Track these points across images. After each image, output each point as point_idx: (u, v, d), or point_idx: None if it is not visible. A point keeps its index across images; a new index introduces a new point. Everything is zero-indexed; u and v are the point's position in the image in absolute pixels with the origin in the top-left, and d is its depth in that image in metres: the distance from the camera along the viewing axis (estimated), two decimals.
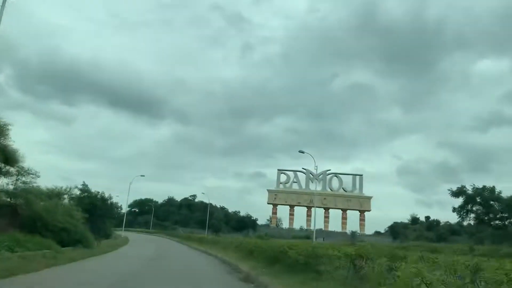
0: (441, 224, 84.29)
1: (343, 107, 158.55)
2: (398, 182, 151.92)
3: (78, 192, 30.80)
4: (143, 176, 53.73)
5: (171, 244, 41.98)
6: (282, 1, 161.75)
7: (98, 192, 33.14)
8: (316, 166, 35.74)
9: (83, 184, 32.50)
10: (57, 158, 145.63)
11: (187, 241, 43.40)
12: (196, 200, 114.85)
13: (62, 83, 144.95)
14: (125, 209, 58.86)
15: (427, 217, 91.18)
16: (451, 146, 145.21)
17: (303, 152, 36.55)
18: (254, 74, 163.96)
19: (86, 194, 31.76)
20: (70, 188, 28.48)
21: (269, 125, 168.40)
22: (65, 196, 26.86)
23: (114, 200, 61.61)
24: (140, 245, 34.84)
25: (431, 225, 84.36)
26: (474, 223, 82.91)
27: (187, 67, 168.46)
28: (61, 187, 27.02)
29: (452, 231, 77.58)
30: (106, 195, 33.96)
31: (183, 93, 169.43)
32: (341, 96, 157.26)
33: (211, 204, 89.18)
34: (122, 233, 50.51)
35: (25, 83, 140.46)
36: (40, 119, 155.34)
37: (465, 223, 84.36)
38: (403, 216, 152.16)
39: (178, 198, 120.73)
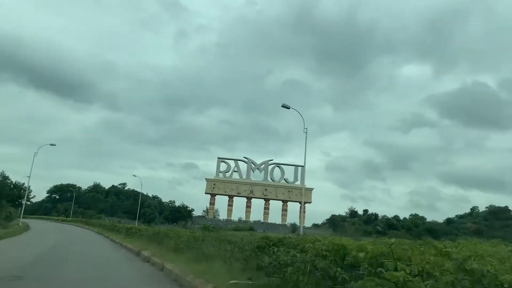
0: (379, 218, 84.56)
1: (276, 102, 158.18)
2: (327, 177, 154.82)
3: None
4: (54, 145, 45.41)
5: (84, 235, 34.73)
6: None
7: None
8: (306, 129, 30.04)
9: None
10: None
11: (109, 232, 36.24)
12: (126, 188, 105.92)
13: None
14: (27, 192, 50.01)
15: (365, 211, 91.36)
16: (376, 145, 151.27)
17: (288, 108, 30.58)
18: (188, 63, 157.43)
19: None
20: None
21: (203, 116, 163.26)
22: None
23: (22, 182, 52.43)
24: (39, 235, 27.91)
25: (369, 218, 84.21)
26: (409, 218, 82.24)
27: (118, 51, 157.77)
28: None
29: (390, 225, 77.68)
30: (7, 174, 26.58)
31: (113, 78, 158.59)
32: (275, 91, 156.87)
33: (142, 193, 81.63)
34: (29, 220, 42.16)
35: None
36: None
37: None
38: (331, 210, 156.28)
39: (106, 186, 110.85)
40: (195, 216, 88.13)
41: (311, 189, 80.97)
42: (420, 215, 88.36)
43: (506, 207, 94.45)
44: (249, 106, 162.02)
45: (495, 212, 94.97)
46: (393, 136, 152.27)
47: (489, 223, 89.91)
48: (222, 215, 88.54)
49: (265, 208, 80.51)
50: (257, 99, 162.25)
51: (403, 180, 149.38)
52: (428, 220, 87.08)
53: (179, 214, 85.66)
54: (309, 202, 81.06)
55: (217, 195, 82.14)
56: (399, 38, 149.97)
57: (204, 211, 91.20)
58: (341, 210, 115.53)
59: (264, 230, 60.23)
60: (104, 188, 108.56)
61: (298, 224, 77.29)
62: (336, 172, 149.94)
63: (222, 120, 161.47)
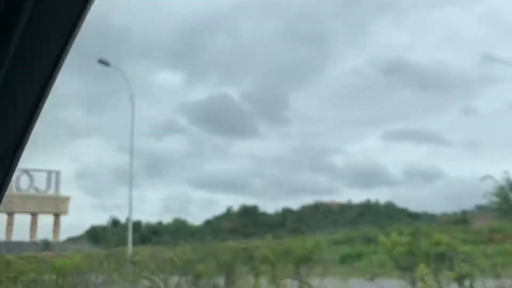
0: (142, 225, 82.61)
1: None
2: (77, 186, 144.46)
3: None
4: None
5: None
6: None
7: None
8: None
9: None
10: None
11: None
12: None
13: None
14: None
15: (128, 218, 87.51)
16: (130, 150, 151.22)
17: (108, 64, 23.20)
18: None
19: None
20: None
21: None
22: None
23: None
24: None
25: (134, 226, 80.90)
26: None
27: None
28: None
29: (154, 231, 76.68)
30: None
31: None
32: None
33: None
34: None
35: None
36: None
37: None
38: (89, 222, 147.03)
39: None
40: None
41: (67, 198, 71.81)
42: (181, 219, 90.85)
43: (255, 206, 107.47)
44: None
45: (246, 211, 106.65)
46: (147, 142, 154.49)
47: (242, 222, 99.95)
48: None
49: (8, 224, 66.42)
50: None
51: (157, 186, 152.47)
52: (189, 223, 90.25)
53: None
54: (65, 214, 71.82)
55: None
56: (153, 45, 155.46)
57: None
58: (102, 220, 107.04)
59: (6, 251, 48.98)
60: None
61: (52, 239, 67.53)
62: (87, 180, 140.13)
63: None
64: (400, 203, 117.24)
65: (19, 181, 67.00)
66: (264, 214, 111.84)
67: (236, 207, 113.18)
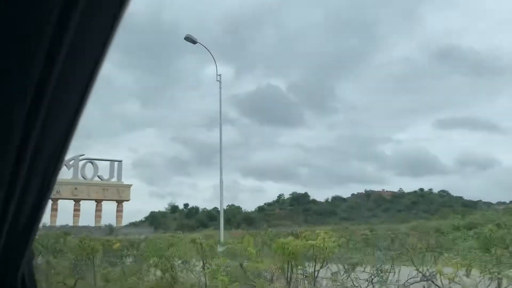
0: (200, 210, 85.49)
1: None
2: (134, 174, 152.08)
3: None
4: None
5: None
6: None
7: None
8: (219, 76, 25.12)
9: None
10: None
11: None
12: None
13: None
14: None
15: (186, 205, 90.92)
16: (183, 141, 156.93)
17: (194, 42, 24.87)
18: None
19: None
20: None
21: None
22: None
23: None
24: None
25: (190, 212, 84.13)
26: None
27: None
28: None
29: (210, 217, 79.04)
30: None
31: None
32: None
33: None
34: None
35: None
36: None
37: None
38: (148, 208, 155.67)
39: None
40: None
41: (129, 186, 75.72)
42: (235, 205, 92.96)
43: (306, 193, 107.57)
44: None
45: (297, 199, 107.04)
46: (199, 133, 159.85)
47: (294, 209, 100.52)
48: None
49: (75, 210, 71.30)
50: None
51: (208, 174, 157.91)
52: (243, 210, 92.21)
53: None
54: (127, 200, 75.81)
55: None
56: (203, 38, 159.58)
57: None
58: (158, 207, 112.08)
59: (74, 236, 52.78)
60: None
61: (115, 225, 71.54)
62: (144, 169, 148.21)
63: None
64: (454, 192, 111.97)
65: (84, 170, 71.56)
66: (314, 202, 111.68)
67: (286, 195, 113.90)
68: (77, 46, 0.67)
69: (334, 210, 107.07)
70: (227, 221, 80.00)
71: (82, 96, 0.79)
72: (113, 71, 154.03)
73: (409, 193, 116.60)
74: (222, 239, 18.12)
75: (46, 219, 73.86)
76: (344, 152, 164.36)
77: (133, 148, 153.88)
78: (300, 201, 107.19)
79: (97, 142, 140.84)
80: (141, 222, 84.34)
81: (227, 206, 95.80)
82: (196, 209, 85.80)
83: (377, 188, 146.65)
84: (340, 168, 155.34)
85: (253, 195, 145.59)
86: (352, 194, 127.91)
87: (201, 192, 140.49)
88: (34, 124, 0.68)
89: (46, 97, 0.67)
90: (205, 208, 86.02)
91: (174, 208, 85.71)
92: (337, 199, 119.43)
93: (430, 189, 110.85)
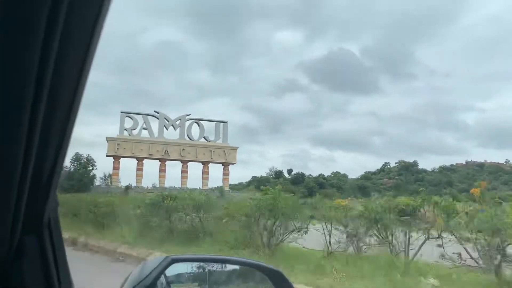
0: (306, 177, 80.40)
1: (151, 63, 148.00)
2: None
3: None
4: None
5: None
6: None
7: None
8: None
9: None
10: None
11: None
12: None
13: None
14: None
15: (290, 170, 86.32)
16: (252, 109, 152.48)
17: None
18: None
19: None
20: None
21: None
22: None
23: None
24: None
25: (297, 178, 79.25)
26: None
27: None
28: None
29: (319, 183, 73.69)
30: None
31: None
32: (149, 52, 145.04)
33: None
34: None
35: None
36: None
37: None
38: (249, 173, 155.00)
39: None
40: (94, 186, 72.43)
41: (235, 148, 71.58)
42: (341, 173, 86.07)
43: (415, 161, 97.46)
44: (120, 66, 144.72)
45: (406, 168, 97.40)
46: (268, 101, 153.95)
47: (403, 178, 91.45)
48: (127, 182, 74.33)
49: (182, 172, 68.78)
50: (130, 59, 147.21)
51: (277, 143, 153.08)
52: (350, 177, 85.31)
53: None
54: (234, 163, 71.76)
55: (122, 158, 67.75)
56: (272, 4, 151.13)
57: (102, 178, 75.50)
58: (260, 171, 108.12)
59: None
60: None
61: (224, 188, 68.11)
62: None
63: (92, 83, 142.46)
64: None
65: (190, 131, 68.40)
66: (424, 171, 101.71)
67: (392, 164, 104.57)
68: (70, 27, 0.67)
69: (449, 181, 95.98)
70: (338, 189, 73.43)
71: (73, 95, 0.78)
72: (185, 38, 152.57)
73: None
74: None
75: (154, 179, 72.35)
76: (422, 121, 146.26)
77: (205, 116, 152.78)
78: (409, 170, 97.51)
79: (171, 111, 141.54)
80: (244, 186, 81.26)
81: (332, 173, 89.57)
82: (302, 175, 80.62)
83: (457, 160, 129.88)
84: (417, 137, 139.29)
85: (323, 164, 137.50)
86: (457, 164, 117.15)
87: (270, 161, 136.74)
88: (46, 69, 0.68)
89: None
90: (310, 175, 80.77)
91: (278, 174, 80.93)
92: (445, 169, 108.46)
93: None
